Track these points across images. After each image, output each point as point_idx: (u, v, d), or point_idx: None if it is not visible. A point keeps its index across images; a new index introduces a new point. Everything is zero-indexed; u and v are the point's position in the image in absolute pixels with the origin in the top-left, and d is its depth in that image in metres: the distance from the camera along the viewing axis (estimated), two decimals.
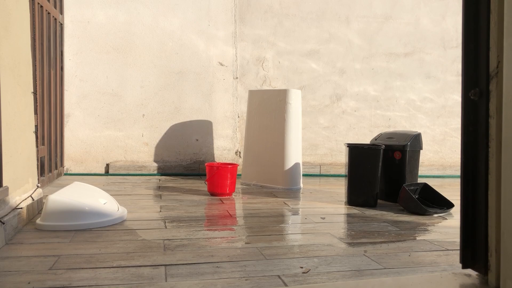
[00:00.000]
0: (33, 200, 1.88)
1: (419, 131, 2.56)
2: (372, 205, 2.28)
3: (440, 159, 3.83)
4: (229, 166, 2.53)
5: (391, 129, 3.56)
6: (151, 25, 3.36)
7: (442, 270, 1.34)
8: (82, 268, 1.30)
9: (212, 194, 2.53)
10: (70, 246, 1.51)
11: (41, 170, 2.57)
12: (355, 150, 2.35)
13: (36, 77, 2.41)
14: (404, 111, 3.79)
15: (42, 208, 1.81)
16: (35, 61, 2.40)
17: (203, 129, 3.36)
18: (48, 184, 2.72)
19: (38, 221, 1.75)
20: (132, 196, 2.46)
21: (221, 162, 3.09)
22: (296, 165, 2.87)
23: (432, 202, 2.27)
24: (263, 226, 1.86)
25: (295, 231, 1.79)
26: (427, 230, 1.86)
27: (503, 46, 1.03)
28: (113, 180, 3.04)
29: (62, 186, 2.13)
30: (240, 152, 3.52)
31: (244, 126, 3.22)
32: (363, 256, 1.46)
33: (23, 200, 1.75)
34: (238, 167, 2.99)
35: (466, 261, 1.16)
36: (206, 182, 2.54)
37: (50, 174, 2.80)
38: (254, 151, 3.03)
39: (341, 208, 2.26)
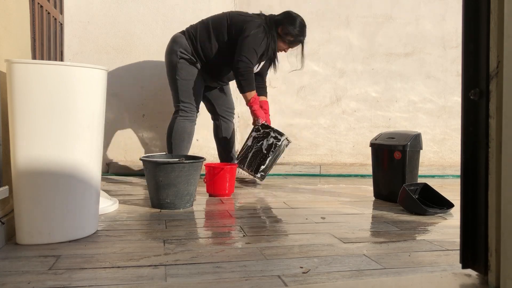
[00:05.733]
0: None
1: (419, 131, 2.56)
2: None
3: (440, 159, 3.83)
4: (229, 167, 2.53)
5: (391, 129, 3.56)
6: (151, 25, 3.36)
7: (442, 270, 1.34)
8: (82, 268, 1.30)
9: (211, 195, 2.53)
10: (70, 246, 1.51)
11: None
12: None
13: None
14: (404, 112, 3.79)
15: None
16: None
17: (204, 129, 3.35)
18: None
19: None
20: (132, 196, 2.46)
21: (221, 162, 3.09)
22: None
23: (432, 202, 2.27)
24: (263, 226, 1.86)
25: (295, 231, 1.79)
26: (427, 230, 1.86)
27: (503, 46, 1.03)
28: (113, 180, 3.04)
29: None
30: None
31: (244, 126, 3.22)
32: (363, 256, 1.46)
33: None
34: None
35: (466, 261, 1.16)
36: (205, 182, 2.54)
37: None
38: None
39: (341, 208, 2.26)
